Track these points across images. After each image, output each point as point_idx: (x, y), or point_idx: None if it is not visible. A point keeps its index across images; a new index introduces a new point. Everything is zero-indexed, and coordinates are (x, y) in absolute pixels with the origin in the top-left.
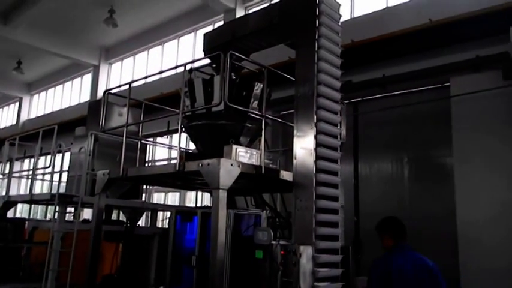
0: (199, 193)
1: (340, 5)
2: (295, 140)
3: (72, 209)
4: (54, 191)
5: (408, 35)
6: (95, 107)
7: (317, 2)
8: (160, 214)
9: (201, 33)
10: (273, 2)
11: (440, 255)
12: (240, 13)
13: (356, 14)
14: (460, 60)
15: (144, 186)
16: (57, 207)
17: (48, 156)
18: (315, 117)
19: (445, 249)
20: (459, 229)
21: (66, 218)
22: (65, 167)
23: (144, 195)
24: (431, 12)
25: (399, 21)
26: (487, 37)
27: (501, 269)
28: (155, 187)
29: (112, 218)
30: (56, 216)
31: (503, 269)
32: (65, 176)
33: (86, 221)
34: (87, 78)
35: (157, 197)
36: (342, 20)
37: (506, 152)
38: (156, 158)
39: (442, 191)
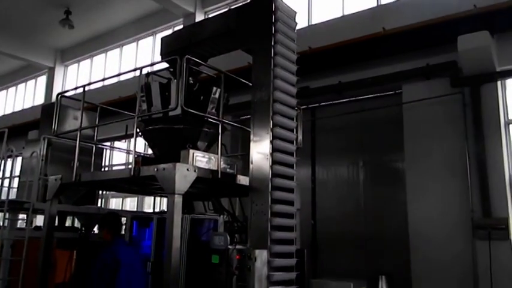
0: (158, 198)
1: (296, 12)
2: (251, 144)
3: (25, 216)
4: (4, 197)
5: (363, 43)
6: (49, 110)
7: (273, 8)
8: None
9: (160, 37)
10: (231, 8)
11: (394, 251)
12: (199, 17)
13: (313, 22)
14: (411, 68)
15: (100, 192)
16: (7, 214)
17: None
18: (271, 122)
19: (398, 246)
20: (410, 227)
21: (18, 225)
22: (16, 172)
23: (100, 200)
24: (385, 21)
25: (354, 29)
26: (437, 46)
27: (447, 261)
28: (112, 192)
29: (66, 225)
30: (5, 224)
31: (449, 261)
32: (16, 181)
33: (38, 228)
34: (42, 80)
35: (115, 203)
36: (299, 27)
37: (453, 156)
38: (114, 162)
39: (394, 194)
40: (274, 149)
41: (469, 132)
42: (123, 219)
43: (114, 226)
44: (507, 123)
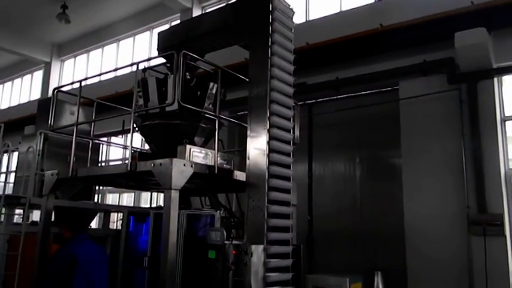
0: (155, 193)
1: (293, 8)
2: (248, 140)
3: (21, 211)
4: (0, 192)
5: (360, 39)
6: (45, 105)
7: (270, 4)
8: (114, 215)
9: (157, 32)
10: (228, 3)
11: (390, 247)
12: (196, 12)
13: (311, 17)
14: (408, 64)
15: (97, 187)
16: (3, 209)
17: None
18: (268, 118)
19: (394, 242)
20: (406, 223)
21: (15, 220)
22: (13, 167)
23: (96, 196)
24: (382, 17)
25: (352, 25)
26: (434, 42)
27: (442, 257)
28: (109, 188)
29: None
30: (2, 219)
31: (444, 256)
32: (12, 176)
33: (35, 223)
34: (38, 75)
35: (112, 198)
36: (297, 23)
37: (449, 152)
38: (111, 158)
39: (391, 190)
40: (271, 145)
41: (466, 129)
42: (120, 215)
43: (73, 222)
44: (503, 120)
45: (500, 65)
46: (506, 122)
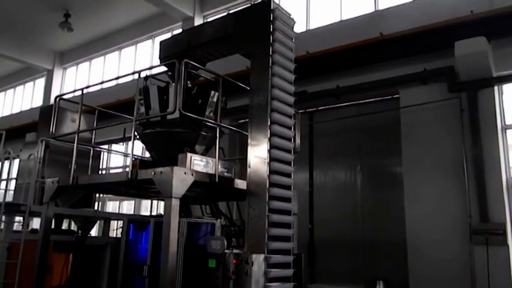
0: (155, 201)
1: (294, 17)
2: (249, 148)
3: (21, 219)
4: (0, 199)
5: (360, 48)
6: (47, 113)
7: (271, 13)
8: (114, 223)
9: (159, 40)
10: (229, 12)
11: (391, 256)
12: (198, 21)
13: (312, 26)
14: (408, 73)
15: (97, 195)
16: (3, 217)
17: None
18: (269, 126)
19: (395, 251)
20: (408, 232)
21: (15, 228)
22: (13, 174)
23: (97, 203)
24: (383, 26)
25: (352, 34)
26: (434, 51)
27: (444, 266)
28: (109, 195)
29: (63, 228)
30: (1, 226)
31: (446, 266)
32: (13, 183)
33: (34, 230)
34: (41, 82)
35: (112, 206)
36: (297, 31)
37: (450, 161)
38: (112, 165)
39: (392, 198)
40: (272, 153)
41: (466, 137)
42: (120, 223)
43: None
44: (504, 129)
45: (500, 73)
46: (507, 131)
